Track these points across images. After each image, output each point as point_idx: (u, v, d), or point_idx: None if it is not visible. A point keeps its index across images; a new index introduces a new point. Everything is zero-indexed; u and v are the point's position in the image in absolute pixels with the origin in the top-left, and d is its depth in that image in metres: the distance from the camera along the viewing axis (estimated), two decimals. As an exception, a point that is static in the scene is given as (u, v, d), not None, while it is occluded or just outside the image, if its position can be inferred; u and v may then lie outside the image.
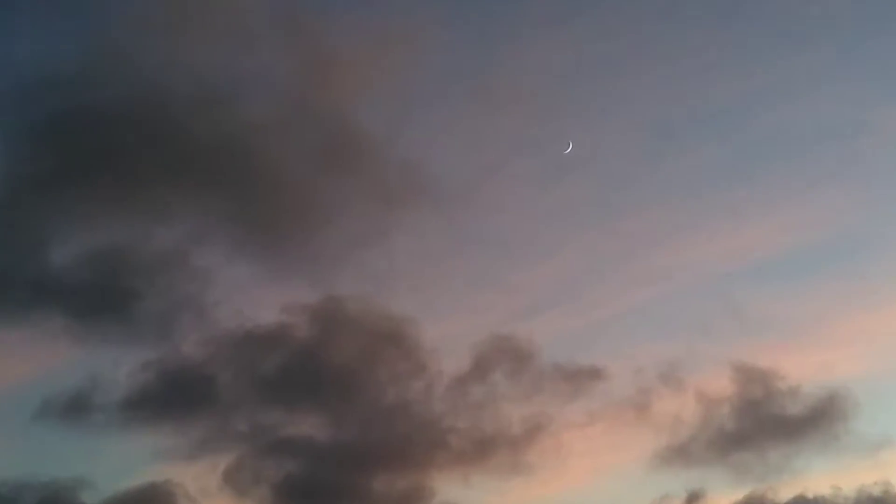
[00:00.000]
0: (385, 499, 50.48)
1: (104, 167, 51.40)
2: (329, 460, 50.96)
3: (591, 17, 65.70)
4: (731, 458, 54.10)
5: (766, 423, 54.95)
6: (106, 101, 52.04)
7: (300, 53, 56.84)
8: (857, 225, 64.48)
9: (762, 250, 65.03)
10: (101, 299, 50.55)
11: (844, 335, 61.76)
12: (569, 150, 62.92)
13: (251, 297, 55.91)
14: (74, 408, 49.42)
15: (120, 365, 50.40)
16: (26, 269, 50.48)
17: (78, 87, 51.77)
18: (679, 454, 53.86)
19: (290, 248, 54.56)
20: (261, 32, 56.90)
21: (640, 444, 54.60)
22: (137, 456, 51.29)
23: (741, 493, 52.88)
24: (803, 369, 58.04)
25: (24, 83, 51.94)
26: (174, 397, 50.56)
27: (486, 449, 52.83)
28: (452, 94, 65.28)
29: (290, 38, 56.89)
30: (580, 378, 54.74)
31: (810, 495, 52.60)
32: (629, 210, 66.72)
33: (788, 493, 52.66)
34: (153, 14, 53.51)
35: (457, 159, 65.55)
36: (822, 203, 65.02)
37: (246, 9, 56.63)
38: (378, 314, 53.41)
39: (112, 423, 49.54)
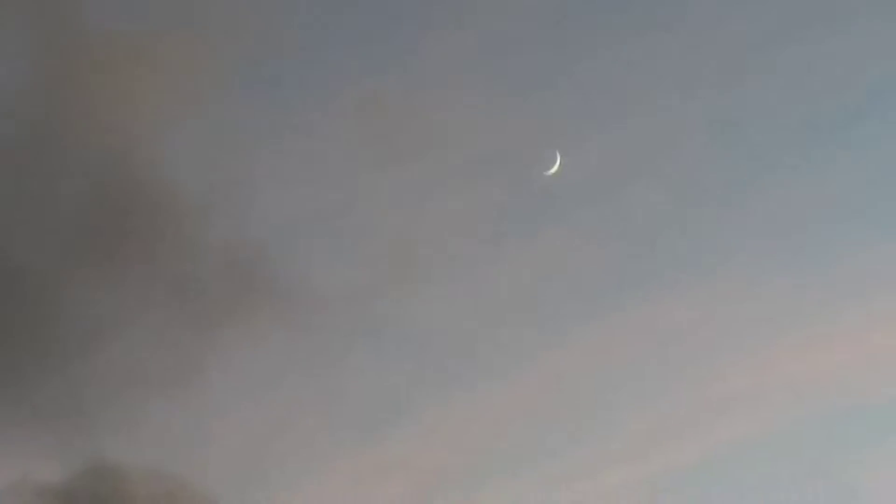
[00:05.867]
0: None
1: None
2: None
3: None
4: None
5: None
6: None
7: (47, 43, 31.13)
8: None
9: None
10: None
11: None
12: (554, 168, 34.59)
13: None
14: None
15: None
16: None
17: None
18: None
19: (21, 387, 31.11)
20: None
21: None
22: None
23: None
24: None
25: None
26: None
27: None
28: (320, 120, 34.68)
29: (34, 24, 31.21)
30: None
31: None
32: (657, 287, 37.21)
33: None
34: None
35: (326, 237, 34.86)
36: None
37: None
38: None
39: None
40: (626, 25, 36.54)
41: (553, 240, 36.18)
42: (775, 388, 35.59)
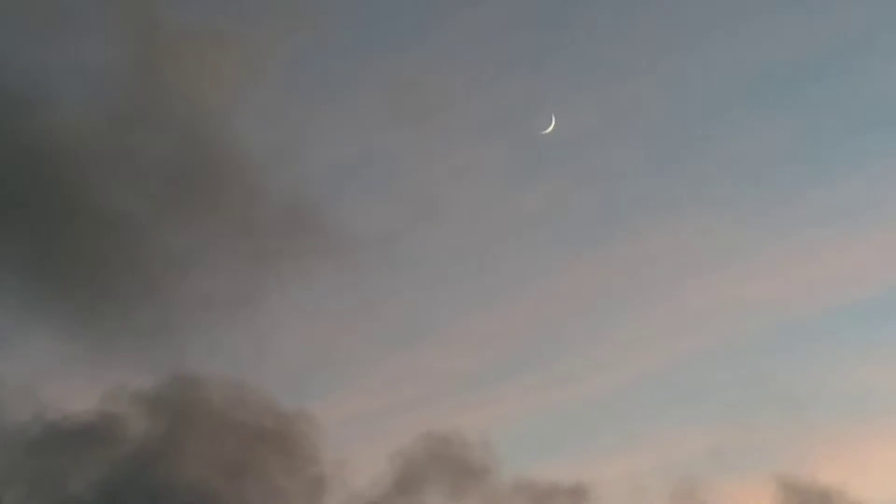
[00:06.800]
0: None
1: None
2: None
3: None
4: None
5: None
6: None
7: (137, 35, 37.13)
8: None
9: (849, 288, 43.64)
10: None
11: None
12: (549, 129, 40.14)
13: (58, 377, 35.12)
14: None
15: None
16: None
17: None
18: None
19: (116, 311, 35.98)
20: (77, 7, 36.60)
21: None
22: None
23: None
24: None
25: None
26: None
27: None
28: (358, 89, 42.23)
29: (123, 16, 37.13)
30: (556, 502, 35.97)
31: None
32: (634, 224, 43.91)
33: None
34: None
35: (363, 186, 42.12)
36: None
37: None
38: (252, 406, 35.03)
39: None
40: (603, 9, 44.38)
41: (550, 186, 43.64)
42: (729, 306, 42.70)
